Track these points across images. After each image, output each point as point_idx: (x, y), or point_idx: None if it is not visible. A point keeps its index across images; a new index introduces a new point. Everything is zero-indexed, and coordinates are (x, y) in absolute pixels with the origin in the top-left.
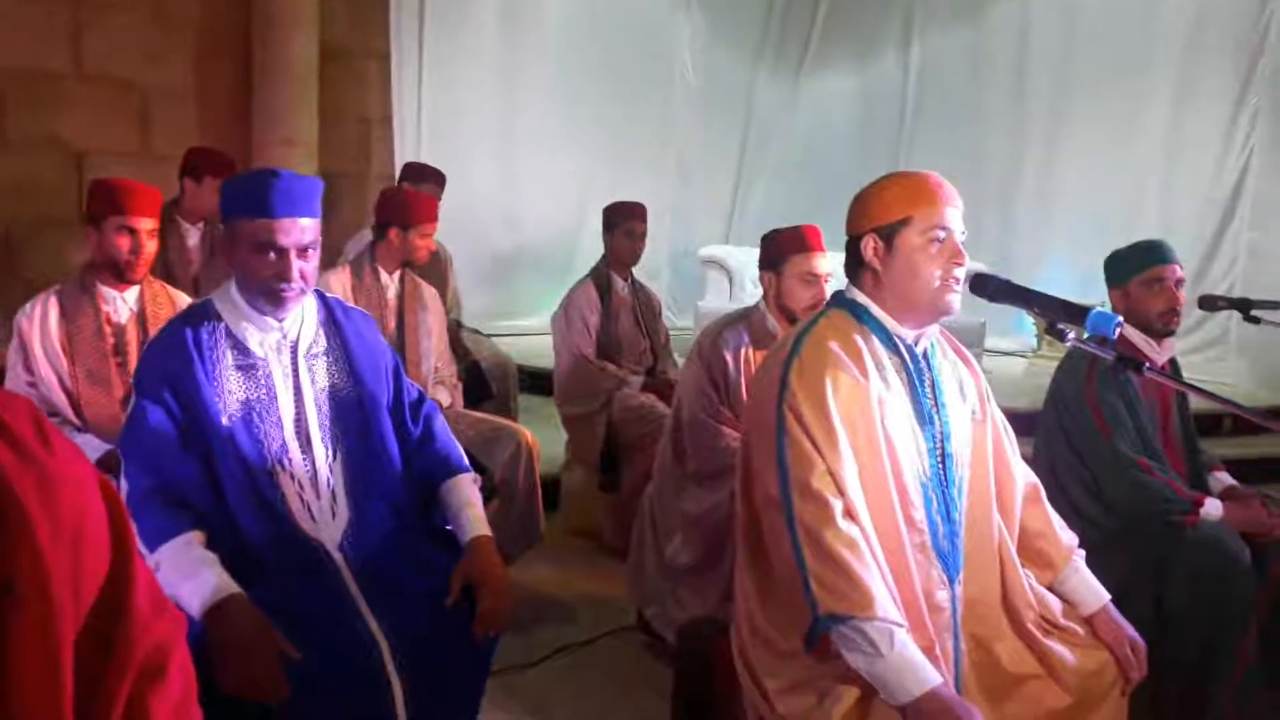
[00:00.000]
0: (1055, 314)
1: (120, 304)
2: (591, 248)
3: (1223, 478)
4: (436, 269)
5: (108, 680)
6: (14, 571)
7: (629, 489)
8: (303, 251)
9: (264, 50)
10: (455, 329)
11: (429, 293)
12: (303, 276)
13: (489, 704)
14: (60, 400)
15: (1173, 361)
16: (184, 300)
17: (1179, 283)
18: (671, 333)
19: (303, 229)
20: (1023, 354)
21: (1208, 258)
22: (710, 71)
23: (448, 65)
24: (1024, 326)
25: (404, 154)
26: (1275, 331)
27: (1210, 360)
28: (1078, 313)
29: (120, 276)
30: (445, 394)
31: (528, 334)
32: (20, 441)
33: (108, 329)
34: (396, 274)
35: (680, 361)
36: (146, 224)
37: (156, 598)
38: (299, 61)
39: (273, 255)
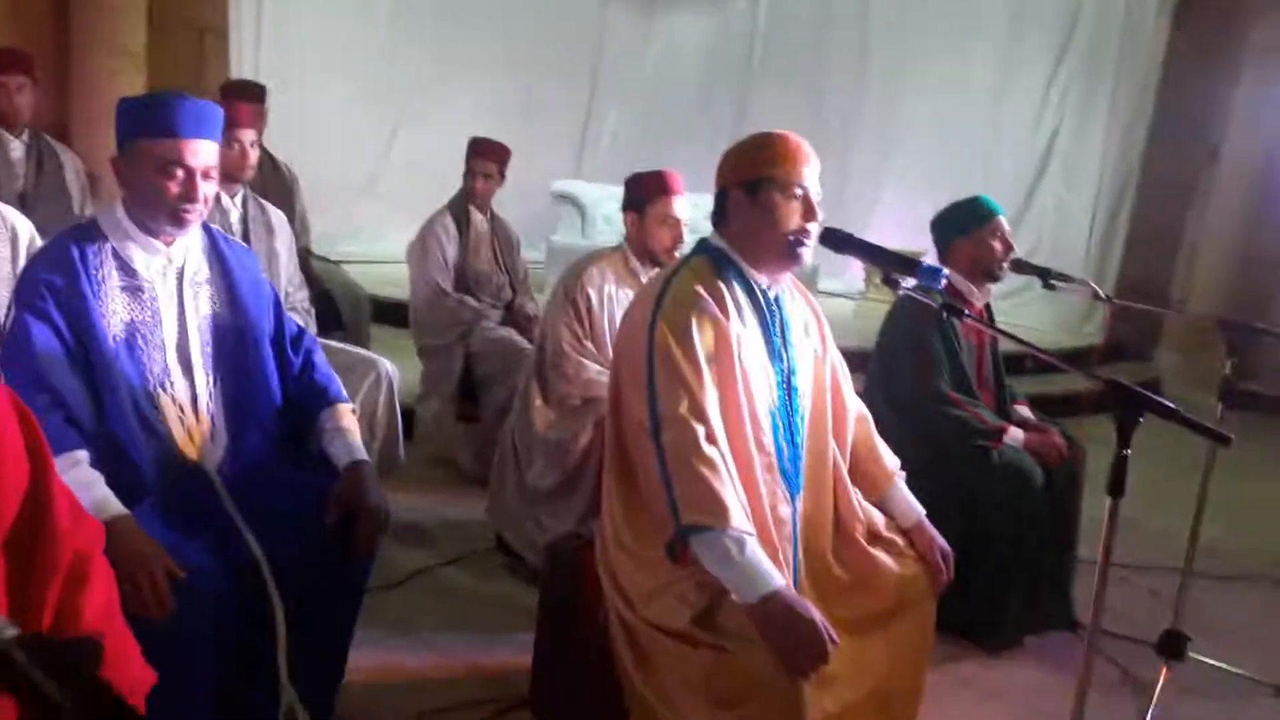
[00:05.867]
0: (891, 266)
1: None
2: (423, 179)
3: (1023, 410)
4: (282, 191)
5: (35, 584)
6: None
7: (488, 419)
8: (206, 174)
9: None
10: (305, 256)
11: (276, 216)
12: (204, 200)
13: (358, 623)
14: None
15: (987, 306)
16: (15, 217)
17: (1008, 233)
18: (529, 267)
19: (208, 150)
20: (851, 296)
21: (1023, 210)
22: (561, 2)
23: None
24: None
25: (241, 68)
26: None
27: (1019, 305)
28: (910, 265)
29: None
30: (298, 320)
31: (370, 261)
32: None
33: None
34: (239, 196)
35: (538, 296)
36: None
37: (75, 509)
38: None
39: (180, 175)
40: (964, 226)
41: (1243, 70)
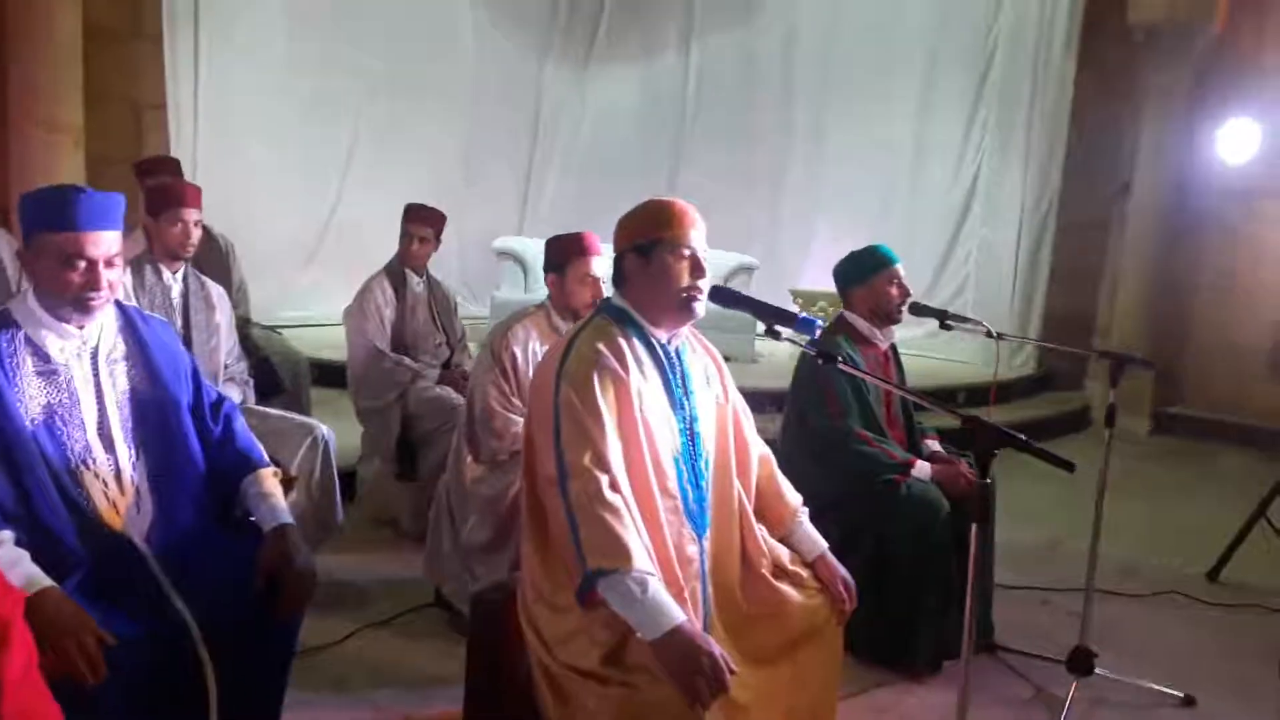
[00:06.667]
0: (771, 319)
1: None
2: (365, 242)
3: (932, 444)
4: (218, 261)
5: None
6: None
7: (426, 477)
8: (109, 262)
9: (20, 24)
10: (244, 324)
11: (215, 291)
12: (109, 286)
13: (295, 682)
14: None
15: (893, 347)
16: None
17: (905, 279)
18: (466, 322)
19: (108, 240)
20: (792, 340)
21: (948, 251)
22: (497, 63)
23: (225, 48)
24: None
25: (180, 140)
26: (998, 322)
27: (952, 340)
28: (789, 318)
29: None
30: (236, 391)
31: (313, 325)
32: None
33: None
34: (180, 272)
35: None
36: None
37: None
38: (60, 38)
39: (81, 265)
40: (861, 275)
41: (1145, 107)
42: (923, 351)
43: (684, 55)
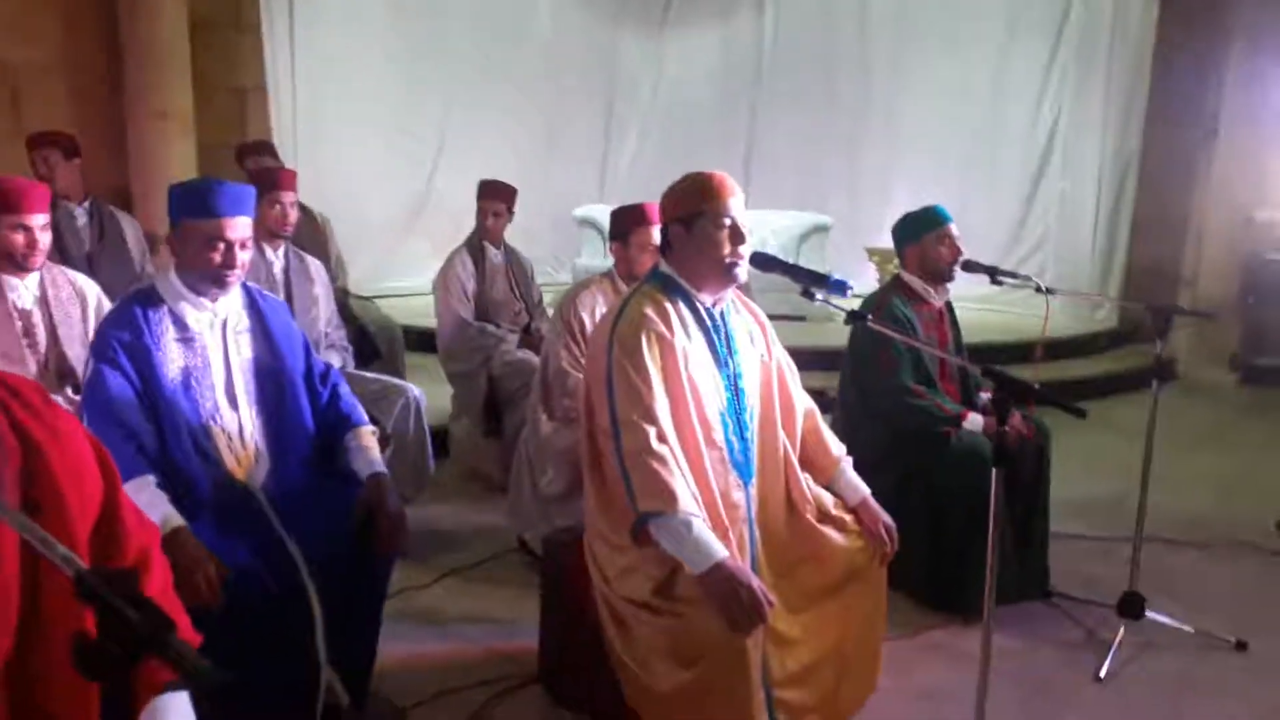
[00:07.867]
0: (804, 280)
1: (23, 291)
2: (457, 214)
3: (986, 397)
4: (316, 236)
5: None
6: (40, 495)
7: (511, 434)
8: (243, 244)
9: (131, 23)
10: (342, 296)
11: (314, 266)
12: (241, 265)
13: (393, 618)
14: None
15: (949, 304)
16: (83, 281)
17: (957, 237)
18: (556, 289)
19: (243, 225)
20: (826, 301)
21: (1027, 205)
22: (573, 31)
23: (318, 32)
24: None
25: (280, 123)
26: (1079, 276)
27: (1032, 296)
28: (821, 279)
29: (19, 268)
30: (336, 357)
31: (412, 294)
32: (33, 406)
33: (14, 314)
34: (280, 249)
35: None
36: (39, 219)
37: (138, 515)
38: (168, 33)
39: (222, 247)
40: (914, 233)
41: (1231, 48)
42: (1008, 307)
43: (759, 15)
